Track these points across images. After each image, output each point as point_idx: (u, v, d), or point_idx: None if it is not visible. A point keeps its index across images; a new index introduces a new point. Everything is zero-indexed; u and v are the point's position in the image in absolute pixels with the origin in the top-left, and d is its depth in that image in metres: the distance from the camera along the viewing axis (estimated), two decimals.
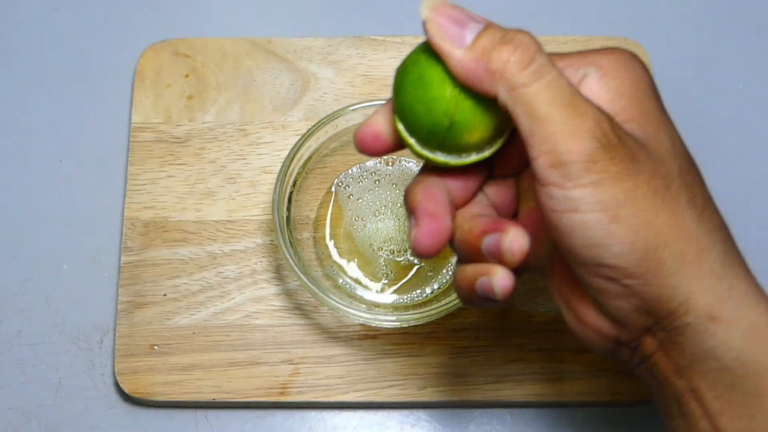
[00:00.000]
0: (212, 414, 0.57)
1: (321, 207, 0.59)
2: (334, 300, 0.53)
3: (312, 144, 0.57)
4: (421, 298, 0.57)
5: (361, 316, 0.53)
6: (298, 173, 0.58)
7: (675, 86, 0.64)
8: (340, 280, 0.58)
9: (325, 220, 0.59)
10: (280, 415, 0.58)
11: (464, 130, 0.37)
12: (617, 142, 0.34)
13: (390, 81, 0.62)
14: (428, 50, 0.37)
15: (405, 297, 0.57)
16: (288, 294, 0.58)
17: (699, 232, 0.35)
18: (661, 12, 0.67)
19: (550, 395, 0.56)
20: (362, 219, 0.59)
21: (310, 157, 0.58)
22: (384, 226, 0.59)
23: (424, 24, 0.35)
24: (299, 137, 0.56)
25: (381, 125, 0.40)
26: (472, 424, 0.58)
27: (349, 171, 0.60)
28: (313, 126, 0.56)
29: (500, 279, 0.37)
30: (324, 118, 0.56)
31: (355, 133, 0.40)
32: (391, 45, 0.64)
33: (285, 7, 0.67)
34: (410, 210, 0.40)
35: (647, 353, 0.37)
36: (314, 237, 0.59)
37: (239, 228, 0.59)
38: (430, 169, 0.40)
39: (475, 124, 0.37)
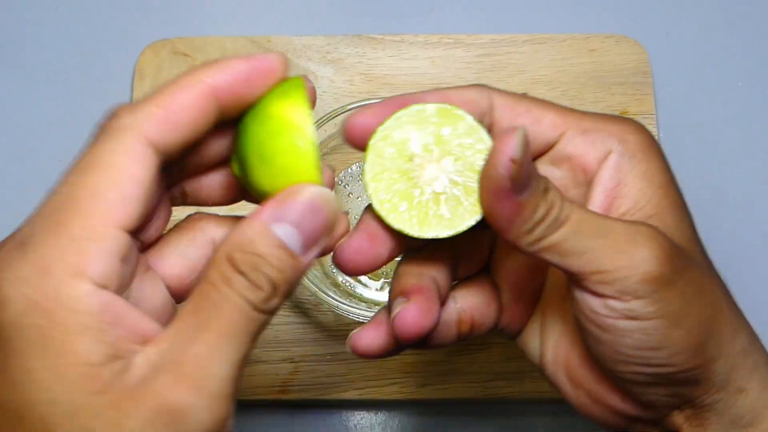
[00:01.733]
0: None
1: None
2: (334, 298, 0.53)
3: None
4: None
5: (360, 314, 0.53)
6: None
7: (673, 83, 0.64)
8: (340, 279, 0.58)
9: None
10: (281, 414, 0.58)
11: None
12: (670, 248, 0.33)
13: (389, 80, 0.63)
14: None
15: None
16: None
17: (730, 313, 0.35)
18: (660, 9, 0.67)
19: (550, 392, 0.56)
20: None
21: None
22: None
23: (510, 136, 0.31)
24: None
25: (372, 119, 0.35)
26: (473, 421, 0.58)
27: (349, 169, 0.60)
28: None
29: (354, 338, 0.37)
30: (323, 116, 0.56)
31: (346, 123, 0.36)
32: (390, 43, 0.64)
33: (284, 6, 0.67)
34: (400, 292, 0.36)
35: (672, 429, 0.37)
36: None
37: None
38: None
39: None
